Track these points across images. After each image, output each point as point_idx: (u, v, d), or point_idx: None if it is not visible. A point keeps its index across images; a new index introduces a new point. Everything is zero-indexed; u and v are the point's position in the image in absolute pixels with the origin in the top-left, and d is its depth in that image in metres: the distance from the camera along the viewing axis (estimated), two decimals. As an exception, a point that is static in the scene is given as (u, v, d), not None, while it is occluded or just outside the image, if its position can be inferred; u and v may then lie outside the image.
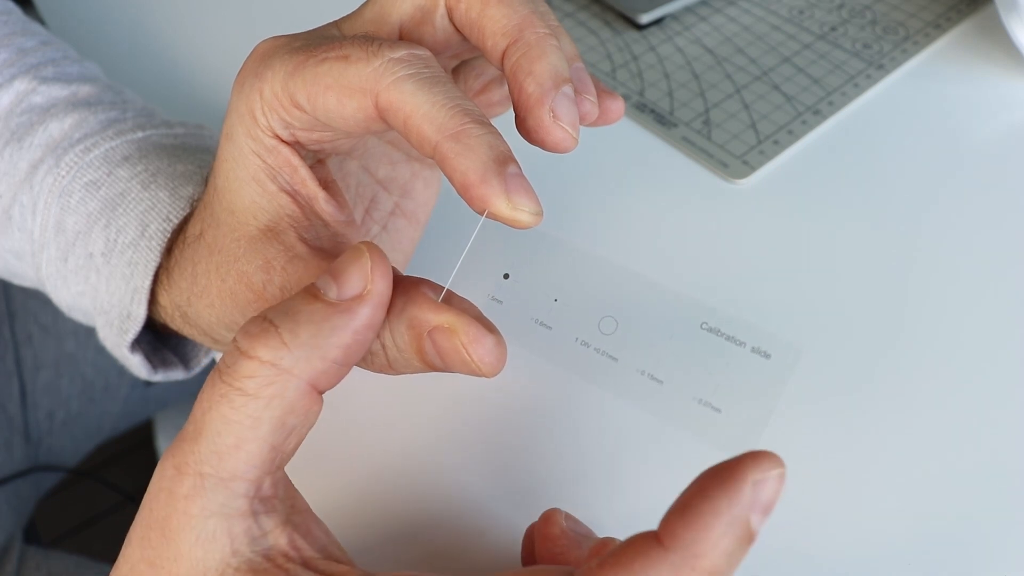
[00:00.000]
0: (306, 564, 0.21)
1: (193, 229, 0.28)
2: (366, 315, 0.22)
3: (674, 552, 0.18)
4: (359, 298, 0.22)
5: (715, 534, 0.18)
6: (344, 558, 0.23)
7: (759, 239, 0.37)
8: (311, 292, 0.22)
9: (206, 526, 0.20)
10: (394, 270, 0.25)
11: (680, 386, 0.24)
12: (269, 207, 0.26)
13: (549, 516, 0.25)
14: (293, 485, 0.23)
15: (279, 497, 0.22)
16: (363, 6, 0.26)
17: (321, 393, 0.22)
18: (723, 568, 0.18)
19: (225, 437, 0.20)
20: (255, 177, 0.25)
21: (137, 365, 0.31)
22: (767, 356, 0.23)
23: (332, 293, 0.21)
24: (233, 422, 0.20)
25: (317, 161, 0.27)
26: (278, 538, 0.21)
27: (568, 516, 0.25)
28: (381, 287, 0.22)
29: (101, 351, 0.59)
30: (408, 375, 0.25)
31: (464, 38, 0.26)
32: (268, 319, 0.21)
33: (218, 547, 0.20)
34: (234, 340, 0.21)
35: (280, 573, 0.21)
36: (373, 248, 0.22)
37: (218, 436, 0.20)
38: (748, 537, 0.18)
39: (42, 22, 0.51)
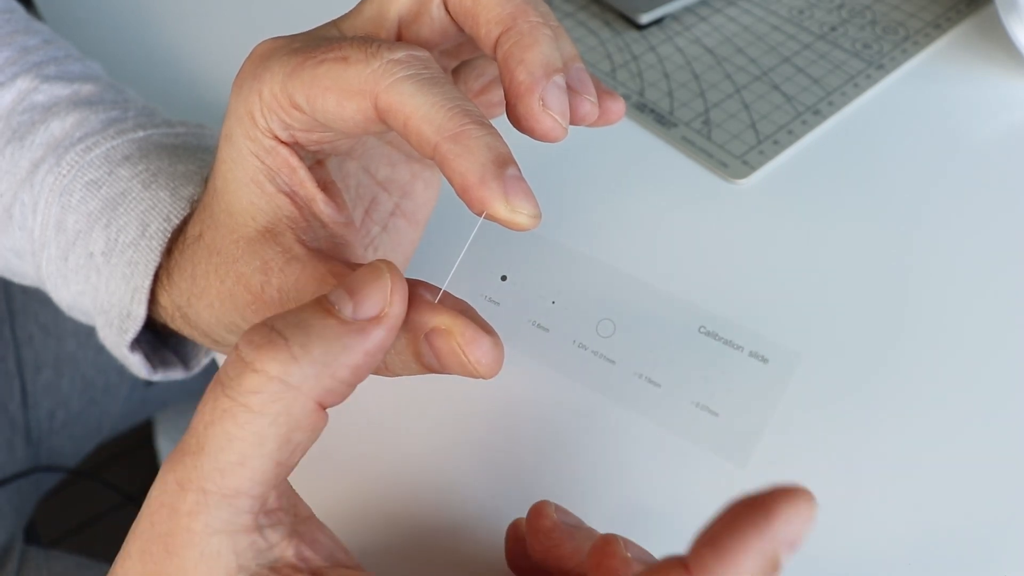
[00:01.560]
0: (314, 574, 0.21)
1: (193, 230, 0.28)
2: (380, 337, 0.21)
3: None
4: (376, 320, 0.21)
5: (744, 569, 0.18)
6: (351, 562, 0.23)
7: (759, 239, 0.37)
8: (324, 307, 0.21)
9: (210, 543, 0.20)
10: (392, 265, 0.25)
11: (678, 390, 0.24)
12: (267, 208, 0.26)
13: (539, 509, 0.25)
14: (295, 492, 0.23)
15: (283, 508, 0.22)
16: (361, 4, 0.26)
17: (326, 409, 0.21)
18: None
19: (228, 454, 0.20)
20: (253, 178, 0.25)
21: (137, 365, 0.31)
22: (765, 361, 0.23)
23: (347, 311, 0.21)
24: (237, 439, 0.20)
25: (316, 162, 0.27)
26: (284, 550, 0.21)
27: (558, 507, 0.25)
28: (398, 310, 0.22)
29: (101, 351, 0.59)
30: (405, 377, 0.25)
31: (461, 29, 0.26)
32: (276, 330, 0.20)
33: (223, 563, 0.20)
34: (237, 349, 0.20)
35: None
36: (393, 268, 0.22)
37: (221, 453, 0.20)
38: (774, 569, 0.18)
39: (42, 21, 0.51)
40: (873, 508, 0.29)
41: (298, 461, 0.21)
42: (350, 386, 0.21)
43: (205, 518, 0.20)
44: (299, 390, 0.20)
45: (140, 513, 0.21)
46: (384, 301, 0.21)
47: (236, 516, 0.20)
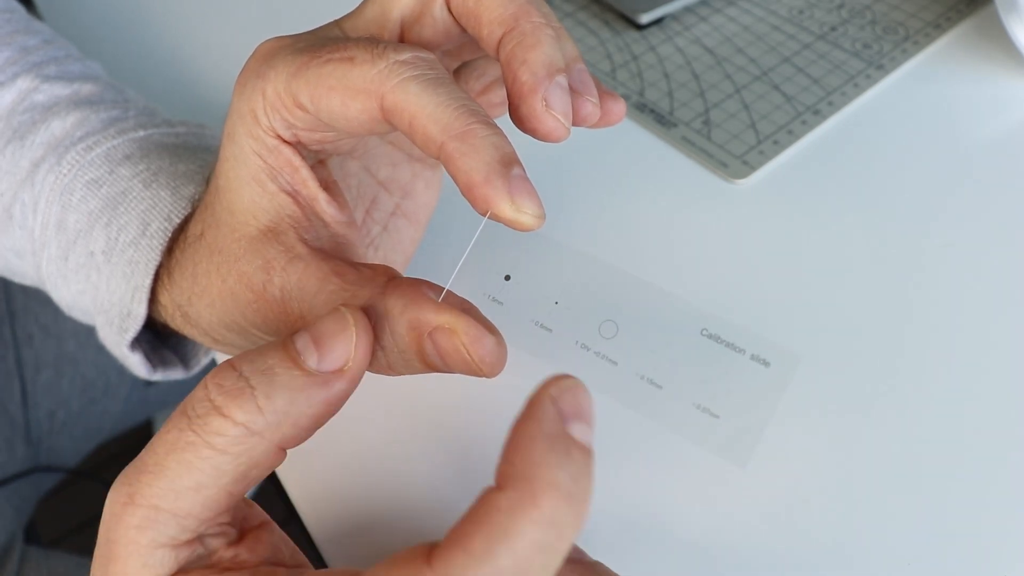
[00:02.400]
0: (252, 571, 0.22)
1: (194, 229, 0.28)
2: (341, 389, 0.22)
3: (513, 489, 0.18)
4: (339, 373, 0.22)
5: (539, 455, 0.18)
6: (294, 562, 0.23)
7: (758, 239, 0.37)
8: (289, 354, 0.21)
9: (154, 555, 0.21)
10: (394, 272, 0.25)
11: (679, 391, 0.24)
12: (269, 207, 0.26)
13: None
14: (251, 503, 0.24)
15: (229, 522, 0.23)
16: (364, 4, 0.26)
17: (286, 450, 0.22)
18: (570, 487, 0.18)
19: (186, 480, 0.20)
20: (255, 177, 0.25)
21: (136, 364, 0.31)
22: (766, 364, 0.23)
23: (312, 362, 0.21)
24: (196, 469, 0.20)
25: (318, 162, 0.27)
26: (223, 553, 0.22)
27: None
28: (361, 363, 0.22)
29: (101, 351, 0.59)
30: (407, 376, 0.25)
31: (463, 29, 0.26)
32: (243, 376, 0.21)
33: (164, 571, 0.21)
34: (205, 388, 0.21)
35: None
36: (358, 317, 0.22)
37: (178, 478, 0.20)
38: (580, 449, 0.19)
39: (42, 21, 0.51)
40: (873, 508, 0.29)
41: (248, 490, 0.22)
42: (310, 432, 0.22)
43: (152, 534, 0.21)
44: (262, 436, 0.21)
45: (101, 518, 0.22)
46: (348, 354, 0.22)
47: (182, 533, 0.21)
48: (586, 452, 0.19)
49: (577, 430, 0.19)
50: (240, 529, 0.23)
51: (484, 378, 0.24)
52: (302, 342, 0.21)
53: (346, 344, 0.22)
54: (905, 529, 0.28)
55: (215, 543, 0.22)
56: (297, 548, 0.24)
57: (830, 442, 0.30)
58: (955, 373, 0.32)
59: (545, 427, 0.19)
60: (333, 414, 0.22)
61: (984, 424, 0.31)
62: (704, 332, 0.24)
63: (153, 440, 0.21)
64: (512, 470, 0.18)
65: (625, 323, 0.25)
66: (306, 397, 0.21)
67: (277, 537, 0.24)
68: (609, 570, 0.25)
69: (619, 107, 0.28)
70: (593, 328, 0.25)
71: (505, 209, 0.22)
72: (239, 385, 0.21)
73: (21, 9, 0.39)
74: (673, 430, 0.24)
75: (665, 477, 0.30)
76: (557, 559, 0.18)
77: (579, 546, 0.27)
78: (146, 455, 0.21)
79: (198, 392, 0.21)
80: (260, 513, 0.24)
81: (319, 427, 0.22)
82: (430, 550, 0.19)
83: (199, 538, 0.22)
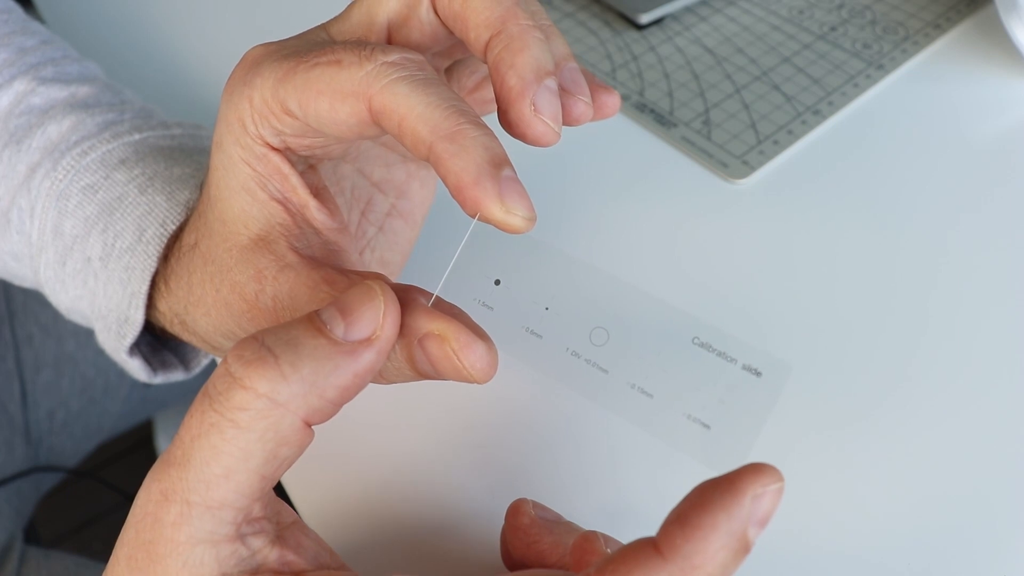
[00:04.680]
0: (298, 574, 0.21)
1: (188, 239, 0.28)
2: (370, 360, 0.21)
3: (672, 562, 0.18)
4: (367, 342, 0.21)
5: (713, 546, 0.18)
6: (336, 563, 0.23)
7: (758, 239, 0.37)
8: (316, 325, 0.21)
9: (193, 552, 0.20)
10: (383, 278, 0.25)
11: (670, 401, 0.24)
12: (259, 216, 0.26)
13: (517, 507, 0.25)
14: (279, 499, 0.23)
15: (267, 517, 0.22)
16: (350, 7, 0.26)
17: (312, 426, 0.21)
18: None
19: (214, 467, 0.20)
20: (244, 186, 0.25)
21: (136, 369, 0.31)
22: (758, 374, 0.23)
23: (339, 331, 0.21)
24: (223, 453, 0.20)
25: (309, 167, 0.27)
26: (267, 556, 0.21)
27: (536, 504, 0.25)
28: (390, 332, 0.21)
29: (101, 352, 0.59)
30: (398, 384, 0.25)
31: (450, 32, 0.26)
32: (266, 346, 0.20)
33: (206, 572, 0.20)
34: (225, 362, 0.20)
35: None
36: (386, 290, 0.22)
37: (206, 465, 0.20)
38: (744, 548, 0.19)
39: (41, 22, 0.51)
40: (866, 517, 0.29)
41: (283, 473, 0.22)
42: (337, 405, 0.21)
43: (188, 529, 0.20)
44: (287, 408, 0.20)
45: (127, 520, 0.21)
46: (376, 323, 0.21)
47: (219, 527, 0.20)
48: (747, 552, 0.19)
49: (753, 533, 0.19)
50: (276, 525, 0.22)
51: (476, 384, 0.24)
52: (328, 313, 0.21)
53: (374, 313, 0.21)
54: (900, 536, 0.28)
55: (257, 543, 0.21)
56: (332, 548, 0.23)
57: (822, 452, 0.30)
58: (952, 378, 0.32)
59: (732, 523, 0.18)
60: (360, 387, 0.21)
61: (982, 429, 0.31)
62: (696, 341, 0.24)
63: (180, 428, 0.20)
64: (684, 546, 0.18)
65: (616, 330, 0.25)
66: (333, 366, 0.20)
67: (314, 538, 0.23)
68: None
69: (612, 100, 0.27)
70: (584, 335, 0.25)
71: (495, 211, 0.21)
72: (261, 354, 0.20)
73: (18, 9, 0.39)
74: (663, 439, 0.24)
75: (654, 487, 0.30)
76: None
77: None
78: (173, 447, 0.20)
79: (220, 368, 0.20)
80: (290, 511, 0.23)
81: (346, 401, 0.21)
82: None
83: (240, 537, 0.21)
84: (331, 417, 0.21)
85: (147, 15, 0.51)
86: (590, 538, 0.23)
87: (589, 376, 0.25)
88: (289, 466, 0.21)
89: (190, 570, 0.20)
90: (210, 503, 0.20)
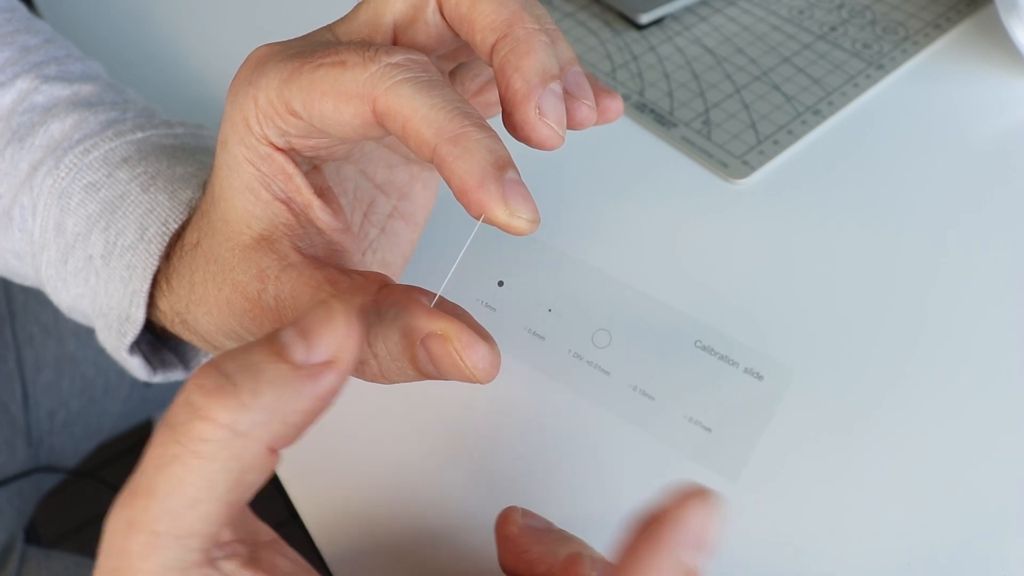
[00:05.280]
0: None
1: (191, 237, 0.28)
2: (332, 382, 0.20)
3: None
4: (328, 365, 0.20)
5: None
6: None
7: (758, 239, 0.37)
8: (275, 349, 0.20)
9: None
10: (387, 279, 0.25)
11: (671, 403, 0.24)
12: (263, 216, 0.26)
13: (506, 516, 0.25)
14: (256, 519, 0.23)
15: (239, 539, 0.21)
16: (356, 8, 0.26)
17: (278, 450, 0.21)
18: None
19: (178, 497, 0.19)
20: (248, 186, 0.25)
21: (136, 367, 0.31)
22: (760, 378, 0.23)
23: (300, 355, 0.20)
24: (187, 483, 0.19)
25: (312, 168, 0.27)
26: None
27: (525, 512, 0.25)
28: (351, 354, 0.20)
29: (102, 351, 0.59)
30: (400, 384, 0.25)
31: (456, 34, 0.26)
32: (225, 374, 0.19)
33: None
34: (186, 391, 0.20)
35: None
36: (348, 309, 0.21)
37: (171, 496, 0.19)
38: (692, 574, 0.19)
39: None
40: (867, 521, 0.29)
41: (250, 497, 0.21)
42: (302, 429, 0.21)
43: (156, 559, 0.20)
44: (249, 437, 0.19)
45: (100, 548, 0.21)
46: (338, 345, 0.20)
47: (187, 554, 0.20)
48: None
49: (702, 560, 0.19)
50: (250, 546, 0.22)
51: (478, 384, 0.24)
52: (288, 335, 0.20)
53: (335, 334, 0.20)
54: (900, 541, 0.28)
55: (228, 566, 0.21)
56: (312, 568, 0.23)
57: (824, 456, 0.30)
58: (952, 377, 0.32)
59: (679, 554, 0.18)
60: (324, 410, 0.21)
61: (984, 429, 0.31)
62: (698, 344, 0.24)
63: (143, 458, 0.20)
64: None
65: (619, 333, 0.25)
66: (294, 392, 0.19)
67: (291, 557, 0.23)
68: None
69: (616, 104, 0.27)
70: (586, 337, 0.25)
71: (499, 213, 0.21)
72: (220, 383, 0.19)
73: (22, 8, 0.39)
74: (664, 442, 0.24)
75: (655, 489, 0.30)
76: None
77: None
78: (138, 477, 0.20)
79: (180, 396, 0.20)
80: (267, 531, 0.23)
81: (310, 424, 0.21)
82: None
83: (210, 562, 0.20)
84: (297, 439, 0.21)
85: (147, 15, 0.51)
86: (576, 561, 0.23)
87: (591, 377, 0.25)
88: (255, 490, 0.21)
89: None
90: (176, 532, 0.19)
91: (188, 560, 0.20)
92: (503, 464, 0.30)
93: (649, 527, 0.19)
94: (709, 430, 0.24)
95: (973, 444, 0.30)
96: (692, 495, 0.19)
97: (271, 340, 0.20)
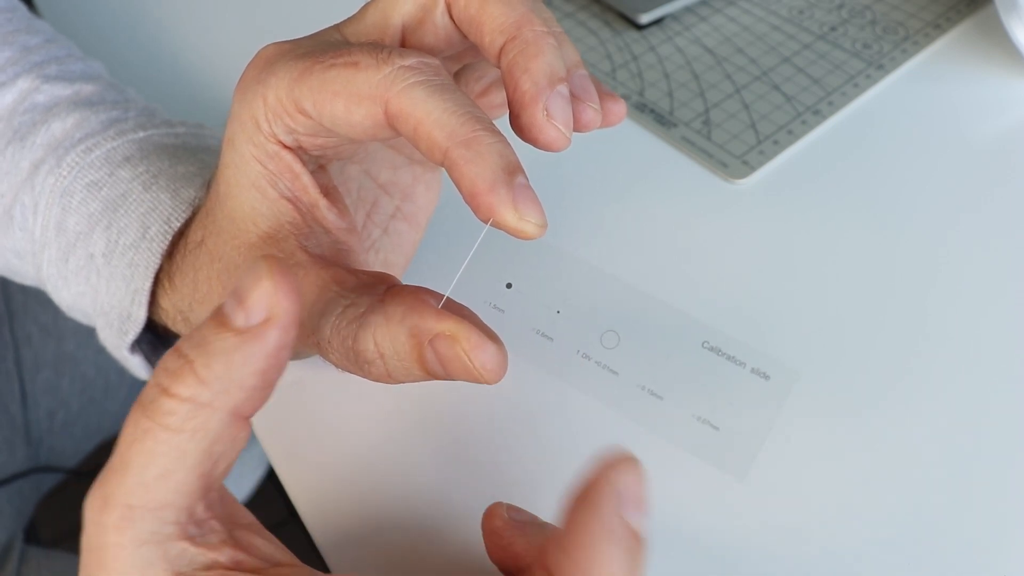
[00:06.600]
0: (253, 572, 0.21)
1: (194, 235, 0.28)
2: (276, 338, 0.20)
3: None
4: (266, 322, 0.20)
5: (597, 552, 0.19)
6: (290, 560, 0.23)
7: (758, 239, 0.37)
8: (219, 320, 0.20)
9: (140, 553, 0.20)
10: (394, 279, 0.25)
11: (679, 403, 0.24)
12: (269, 214, 0.26)
13: (491, 511, 0.25)
14: (235, 502, 0.23)
15: (216, 517, 0.22)
16: (364, 9, 0.26)
17: (247, 418, 0.21)
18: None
19: (151, 469, 0.20)
20: (255, 184, 0.25)
21: (137, 366, 0.32)
22: (766, 377, 0.24)
23: (240, 320, 0.20)
24: (159, 455, 0.20)
25: (319, 167, 0.27)
26: (218, 556, 0.21)
27: (510, 507, 0.25)
28: (287, 306, 0.21)
29: (101, 351, 0.59)
30: (405, 384, 0.25)
31: (464, 36, 0.26)
32: (183, 354, 0.20)
33: (157, 572, 0.20)
34: (154, 374, 0.21)
35: None
36: (275, 265, 0.21)
37: (143, 469, 0.20)
38: (634, 540, 0.19)
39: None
40: (872, 520, 0.29)
41: (224, 472, 0.22)
42: (264, 390, 0.21)
43: (131, 532, 0.20)
44: (212, 406, 0.20)
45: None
46: (269, 303, 0.20)
47: (162, 527, 0.20)
48: (642, 543, 0.19)
49: (636, 520, 0.19)
50: (228, 524, 0.22)
51: (486, 384, 0.24)
52: (228, 304, 0.21)
53: (264, 293, 0.20)
54: (905, 540, 0.28)
55: (205, 542, 0.21)
56: (287, 548, 0.24)
57: (830, 451, 0.30)
58: (952, 377, 0.32)
59: (606, 521, 0.19)
60: (279, 367, 0.21)
61: (985, 429, 0.31)
62: (705, 345, 0.24)
63: (119, 438, 0.21)
64: (570, 564, 0.18)
65: (627, 334, 0.25)
66: (242, 356, 0.20)
67: (268, 538, 0.23)
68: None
69: (619, 108, 0.28)
70: (595, 338, 0.25)
71: (509, 218, 0.22)
72: (179, 363, 0.20)
73: (23, 8, 0.39)
74: (673, 441, 0.24)
75: (663, 488, 0.30)
76: None
77: None
78: (113, 456, 0.21)
79: (150, 380, 0.21)
80: (246, 513, 0.23)
81: (270, 385, 0.21)
82: None
83: (187, 537, 0.21)
84: (264, 402, 0.21)
85: (147, 15, 0.51)
86: (546, 551, 0.24)
87: (599, 377, 0.25)
88: (228, 463, 0.22)
89: (140, 570, 0.20)
90: (150, 504, 0.20)
91: (163, 533, 0.20)
92: (511, 465, 0.30)
93: (575, 510, 0.19)
94: (717, 429, 0.24)
95: (976, 443, 0.30)
96: (620, 460, 0.19)
97: (216, 312, 0.21)
